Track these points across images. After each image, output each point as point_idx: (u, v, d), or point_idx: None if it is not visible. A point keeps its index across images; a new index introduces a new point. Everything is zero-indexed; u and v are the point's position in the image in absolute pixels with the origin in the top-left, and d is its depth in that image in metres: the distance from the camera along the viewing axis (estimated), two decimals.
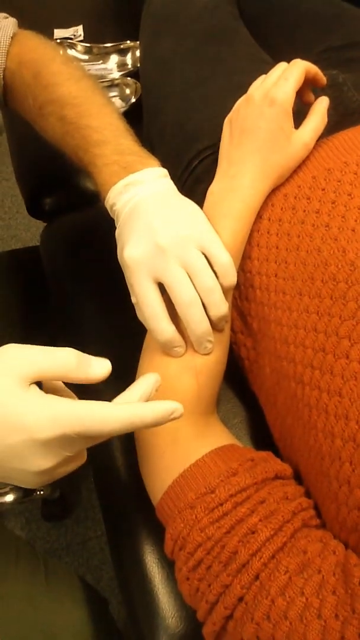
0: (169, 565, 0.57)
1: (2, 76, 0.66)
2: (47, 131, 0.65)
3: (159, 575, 0.57)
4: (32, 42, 0.67)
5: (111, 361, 0.74)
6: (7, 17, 0.68)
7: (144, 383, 0.44)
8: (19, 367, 0.39)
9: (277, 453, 0.55)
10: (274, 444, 0.57)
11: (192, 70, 0.80)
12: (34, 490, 1.28)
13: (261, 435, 0.60)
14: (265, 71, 0.62)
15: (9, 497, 1.27)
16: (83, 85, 0.63)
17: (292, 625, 0.38)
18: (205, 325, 0.52)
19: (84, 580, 0.75)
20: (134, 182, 0.56)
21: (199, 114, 0.75)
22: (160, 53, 0.86)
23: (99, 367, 0.42)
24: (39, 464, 0.39)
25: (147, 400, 0.44)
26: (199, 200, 0.58)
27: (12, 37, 0.66)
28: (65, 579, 0.71)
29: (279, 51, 0.74)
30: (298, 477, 0.52)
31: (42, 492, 1.28)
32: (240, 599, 0.41)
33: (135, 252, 0.53)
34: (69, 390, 0.46)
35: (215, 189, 0.60)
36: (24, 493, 1.28)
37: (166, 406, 0.41)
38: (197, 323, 0.52)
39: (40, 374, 0.39)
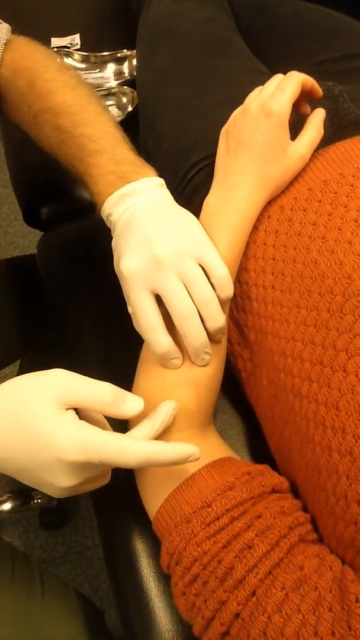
0: (165, 578, 0.56)
1: None
2: (42, 140, 0.64)
3: (155, 589, 0.56)
4: (27, 49, 0.66)
5: (107, 370, 0.74)
6: (0, 23, 0.67)
7: (161, 414, 0.49)
8: (59, 392, 0.43)
9: (274, 465, 0.55)
10: (271, 456, 0.57)
11: (188, 82, 0.80)
12: (31, 499, 1.28)
13: (258, 447, 0.60)
14: (262, 82, 0.61)
15: (7, 506, 1.27)
16: (78, 93, 0.63)
17: None
18: (203, 337, 0.52)
19: (79, 592, 0.74)
20: (130, 192, 0.56)
21: (196, 125, 0.75)
22: (156, 65, 0.86)
23: (131, 405, 0.46)
24: (64, 481, 0.43)
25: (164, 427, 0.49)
26: (196, 211, 0.58)
27: (5, 44, 0.65)
28: (60, 591, 0.70)
29: (276, 63, 0.74)
30: (295, 491, 0.52)
31: (39, 501, 1.28)
32: (237, 616, 0.41)
33: (132, 263, 0.52)
34: (104, 419, 0.49)
35: (211, 201, 0.59)
36: (22, 501, 1.28)
37: (184, 449, 0.45)
38: (195, 335, 0.52)
39: (77, 402, 0.44)
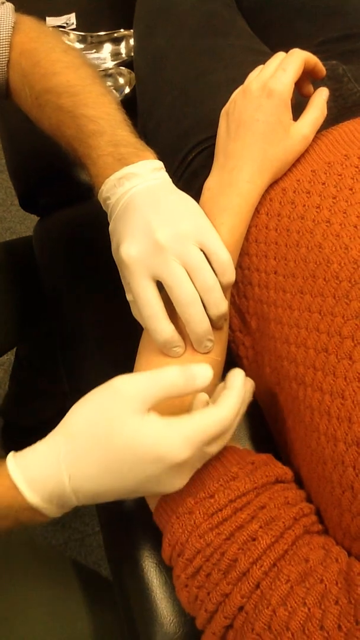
0: (166, 569, 0.56)
1: (5, 70, 0.64)
2: (43, 121, 0.63)
3: (157, 580, 0.56)
4: (34, 31, 0.65)
5: (105, 357, 0.73)
6: (3, 2, 0.65)
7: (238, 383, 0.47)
8: (134, 399, 0.42)
9: (277, 455, 0.54)
10: (274, 445, 0.56)
11: (187, 63, 0.78)
12: None
13: (261, 436, 0.59)
14: (263, 62, 0.60)
15: None
16: (82, 74, 0.61)
17: (293, 637, 0.37)
18: (206, 324, 0.51)
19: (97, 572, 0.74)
20: (128, 175, 0.54)
21: (195, 107, 0.73)
22: (154, 47, 0.84)
23: (202, 375, 0.44)
24: (174, 484, 0.43)
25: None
26: (196, 195, 0.56)
27: (12, 27, 0.64)
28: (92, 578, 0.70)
29: (277, 43, 0.72)
30: (299, 481, 0.51)
31: None
32: (241, 609, 0.40)
33: (133, 249, 0.51)
34: None
35: (212, 184, 0.58)
36: None
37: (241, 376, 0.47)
38: (198, 322, 0.51)
39: (155, 399, 0.42)
